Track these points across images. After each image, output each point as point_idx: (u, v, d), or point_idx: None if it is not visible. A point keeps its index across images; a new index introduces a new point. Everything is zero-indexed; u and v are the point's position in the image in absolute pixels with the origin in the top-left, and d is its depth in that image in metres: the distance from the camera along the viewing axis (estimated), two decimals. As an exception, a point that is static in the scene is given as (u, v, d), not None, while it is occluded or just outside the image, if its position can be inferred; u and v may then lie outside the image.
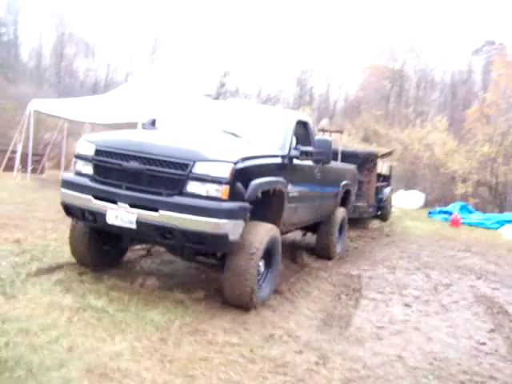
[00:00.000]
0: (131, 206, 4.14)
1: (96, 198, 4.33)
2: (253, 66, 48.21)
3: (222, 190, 4.01)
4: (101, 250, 5.10)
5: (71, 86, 38.36)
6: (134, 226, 4.15)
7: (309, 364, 3.54)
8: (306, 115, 6.47)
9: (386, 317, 4.97)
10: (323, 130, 13.47)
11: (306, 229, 7.59)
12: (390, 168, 15.49)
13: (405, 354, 3.98)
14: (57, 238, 6.45)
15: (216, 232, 4.01)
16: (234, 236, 4.13)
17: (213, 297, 4.74)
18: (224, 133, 5.31)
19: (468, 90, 42.87)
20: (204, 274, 5.67)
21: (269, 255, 4.74)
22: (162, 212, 4.04)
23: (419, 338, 4.44)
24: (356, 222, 11.55)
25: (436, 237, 12.45)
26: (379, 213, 13.52)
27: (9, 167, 15.37)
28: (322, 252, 7.42)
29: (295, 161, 5.38)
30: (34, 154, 16.35)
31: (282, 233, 5.32)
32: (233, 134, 5.26)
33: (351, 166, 8.64)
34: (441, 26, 56.94)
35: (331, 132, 13.22)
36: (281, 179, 4.93)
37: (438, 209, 17.24)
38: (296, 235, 8.50)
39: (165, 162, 4.11)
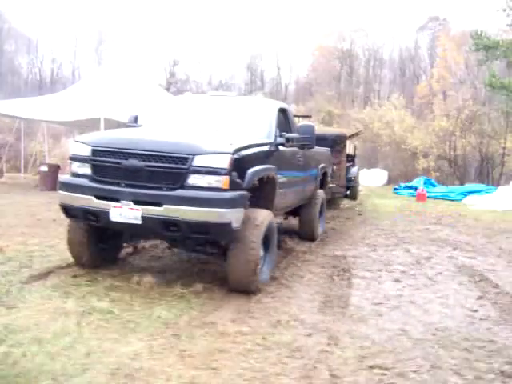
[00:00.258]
0: (134, 202, 4.21)
1: (97, 197, 4.35)
2: (202, 53, 47.87)
3: (222, 181, 4.15)
4: (99, 249, 5.10)
5: (14, 85, 36.91)
6: (139, 222, 4.23)
7: (321, 346, 3.63)
8: (283, 103, 6.54)
9: (381, 293, 5.12)
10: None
11: (288, 213, 7.72)
12: (355, 148, 15.82)
13: (407, 328, 4.12)
14: (38, 243, 6.31)
15: (220, 221, 4.15)
16: (236, 223, 4.28)
17: (211, 289, 4.76)
18: (213, 125, 5.33)
19: (416, 66, 43.98)
20: (196, 267, 5.68)
21: (267, 240, 4.87)
22: (166, 206, 4.14)
23: (416, 311, 4.61)
24: (329, 202, 11.76)
25: (405, 212, 12.86)
26: (348, 192, 13.82)
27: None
28: (306, 234, 7.64)
29: (281, 148, 5.47)
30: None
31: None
32: (221, 125, 5.29)
33: (325, 149, 8.79)
34: (386, 4, 57.80)
35: (299, 117, 13.33)
36: (271, 166, 5.02)
37: (402, 185, 17.76)
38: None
39: (165, 157, 4.20)
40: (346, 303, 4.72)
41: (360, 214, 12.03)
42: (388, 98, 30.15)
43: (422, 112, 25.37)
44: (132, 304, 4.18)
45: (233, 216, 4.21)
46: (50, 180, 13.73)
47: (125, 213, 4.24)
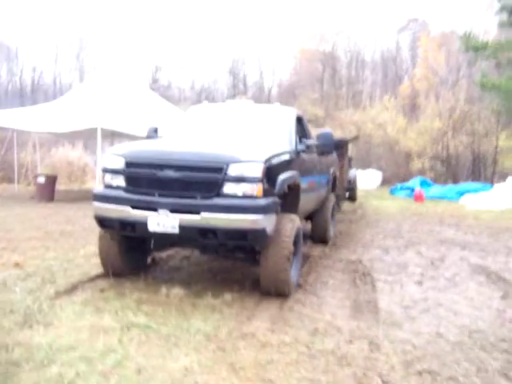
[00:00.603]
0: (172, 211, 4.27)
1: (134, 207, 4.40)
2: (184, 58, 47.80)
3: (256, 188, 4.27)
4: (129, 258, 5.16)
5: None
6: (176, 231, 4.29)
7: (364, 352, 3.63)
8: (298, 110, 6.59)
9: (407, 297, 5.15)
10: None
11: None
12: (350, 150, 15.90)
13: (442, 330, 4.15)
14: (54, 258, 6.23)
15: (255, 227, 4.27)
16: (270, 229, 4.40)
17: (241, 298, 4.75)
18: (236, 134, 5.37)
19: (398, 66, 44.44)
20: (218, 276, 5.66)
21: (294, 244, 4.93)
22: (203, 214, 4.22)
23: (446, 313, 4.64)
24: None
25: (406, 213, 12.95)
26: (347, 194, 13.89)
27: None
28: (319, 238, 7.76)
29: (302, 154, 5.54)
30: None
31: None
32: (244, 134, 5.34)
33: (334, 154, 8.85)
34: (366, 6, 58.30)
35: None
36: (296, 172, 5.08)
37: (399, 185, 17.86)
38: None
39: (200, 167, 4.29)
40: (376, 308, 4.74)
41: (363, 217, 12.11)
42: (370, 98, 30.37)
43: (406, 113, 25.58)
44: (167, 317, 4.14)
45: (267, 222, 4.34)
46: (48, 191, 13.60)
47: (163, 222, 4.30)
